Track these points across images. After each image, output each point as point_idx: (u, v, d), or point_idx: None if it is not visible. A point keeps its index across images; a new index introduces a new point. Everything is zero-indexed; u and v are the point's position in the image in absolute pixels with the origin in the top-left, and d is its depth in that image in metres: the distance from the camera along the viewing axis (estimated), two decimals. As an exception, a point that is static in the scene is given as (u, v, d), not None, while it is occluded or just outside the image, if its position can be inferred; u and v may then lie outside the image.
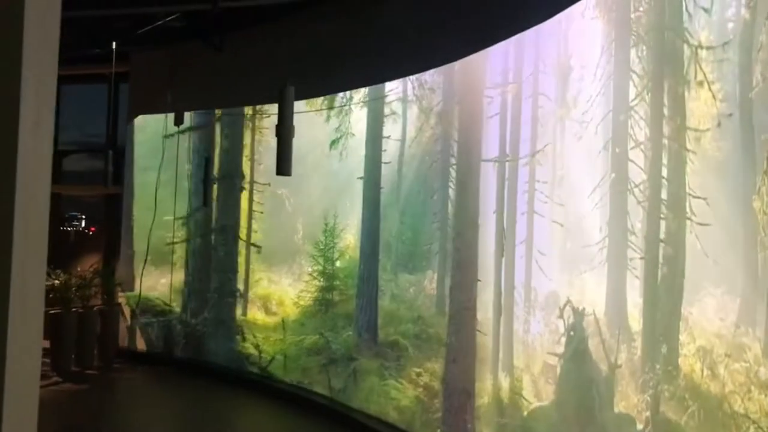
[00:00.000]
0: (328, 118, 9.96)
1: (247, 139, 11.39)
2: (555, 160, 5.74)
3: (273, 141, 10.75)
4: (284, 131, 5.52)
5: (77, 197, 13.73)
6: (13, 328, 2.37)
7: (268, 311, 11.02)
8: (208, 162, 10.12)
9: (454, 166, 7.64)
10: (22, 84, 2.41)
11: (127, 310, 11.92)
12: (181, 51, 11.25)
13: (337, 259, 9.96)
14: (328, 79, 9.41)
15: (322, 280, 10.16)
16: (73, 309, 10.82)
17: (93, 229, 13.94)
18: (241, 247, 11.33)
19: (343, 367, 9.61)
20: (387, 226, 8.84)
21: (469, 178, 7.53)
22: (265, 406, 9.69)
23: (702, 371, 3.93)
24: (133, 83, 12.18)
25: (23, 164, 2.42)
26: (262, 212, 11.18)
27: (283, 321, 10.79)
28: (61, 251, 12.06)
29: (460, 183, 7.70)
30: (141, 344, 11.85)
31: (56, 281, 10.36)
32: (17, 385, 2.39)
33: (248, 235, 11.33)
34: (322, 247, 10.12)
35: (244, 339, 11.21)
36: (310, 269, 10.33)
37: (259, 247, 11.34)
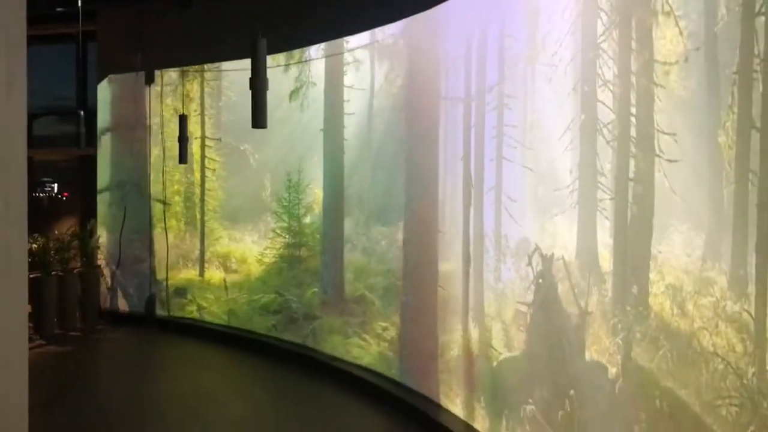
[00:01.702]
0: (287, 69, 9.83)
1: (195, 95, 11.26)
2: (526, 104, 5.68)
3: (233, 97, 10.76)
4: (258, 83, 5.46)
5: (48, 162, 13.56)
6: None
7: (228, 270, 10.93)
8: (182, 120, 9.96)
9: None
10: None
11: (107, 272, 11.91)
12: (149, 8, 11.05)
13: (303, 215, 9.88)
14: (300, 31, 9.28)
15: (287, 236, 10.11)
16: (53, 272, 10.78)
17: (66, 194, 13.80)
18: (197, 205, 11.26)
19: (301, 327, 9.64)
20: (359, 180, 8.78)
21: (420, 123, 7.47)
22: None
23: (672, 309, 3.94)
24: (101, 42, 11.97)
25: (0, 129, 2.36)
26: (214, 169, 11.01)
27: (224, 281, 10.78)
28: (36, 217, 11.99)
29: (413, 129, 7.63)
30: (123, 305, 11.86)
31: (34, 245, 10.30)
32: (7, 349, 2.37)
33: (202, 192, 11.23)
34: (285, 204, 10.04)
35: (187, 299, 11.21)
36: (273, 226, 10.26)
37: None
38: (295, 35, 9.27)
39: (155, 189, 11.71)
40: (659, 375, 4.00)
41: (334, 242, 9.37)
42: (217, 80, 11.04)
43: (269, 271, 10.43)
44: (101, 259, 11.95)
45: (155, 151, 11.68)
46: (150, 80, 11.26)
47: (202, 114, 11.20)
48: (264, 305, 10.39)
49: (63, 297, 10.91)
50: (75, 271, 11.34)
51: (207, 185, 11.28)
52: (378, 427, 7.21)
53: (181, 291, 11.40)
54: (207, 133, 11.19)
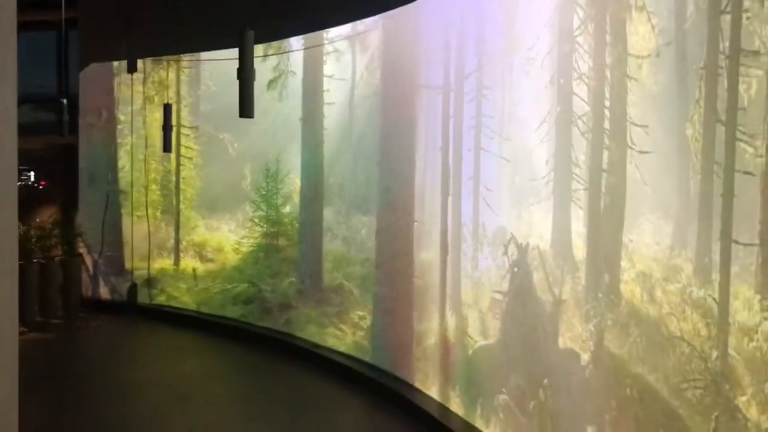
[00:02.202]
0: (265, 59, 9.86)
1: (171, 83, 11.31)
2: (504, 96, 5.79)
3: (212, 86, 10.77)
4: (245, 74, 5.58)
5: (26, 151, 13.44)
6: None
7: (203, 259, 10.96)
8: (166, 109, 9.98)
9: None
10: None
11: (89, 260, 11.92)
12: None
13: (282, 204, 9.92)
14: (287, 21, 9.31)
15: (265, 226, 10.14)
16: (34, 260, 10.80)
17: (43, 183, 13.74)
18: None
19: (275, 317, 9.73)
20: (341, 169, 8.85)
21: (400, 113, 7.51)
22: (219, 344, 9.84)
23: (642, 296, 4.08)
24: (83, 30, 11.94)
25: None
26: (191, 157, 11.03)
27: (194, 270, 10.83)
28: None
29: (392, 119, 7.69)
30: (105, 293, 11.89)
31: (15, 233, 10.27)
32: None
33: (177, 181, 11.24)
34: (264, 193, 10.07)
35: (158, 289, 11.28)
36: (251, 215, 10.32)
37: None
38: (279, 26, 9.31)
39: (130, 178, 11.74)
40: (630, 361, 4.13)
41: (312, 232, 9.40)
42: (193, 68, 11.03)
43: (246, 261, 10.45)
44: (82, 248, 11.96)
45: (130, 140, 11.71)
46: (132, 69, 11.24)
47: (179, 102, 11.21)
48: (236, 295, 10.44)
49: (45, 285, 10.93)
50: (56, 259, 11.35)
51: (184, 174, 11.28)
52: (356, 409, 7.31)
53: (153, 281, 11.43)
54: (185, 122, 11.19)
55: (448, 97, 6.67)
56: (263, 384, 8.06)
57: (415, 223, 7.26)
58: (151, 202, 11.62)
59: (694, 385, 3.59)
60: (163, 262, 11.51)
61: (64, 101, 11.12)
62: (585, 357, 4.62)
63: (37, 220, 11.71)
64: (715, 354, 3.42)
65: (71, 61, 12.62)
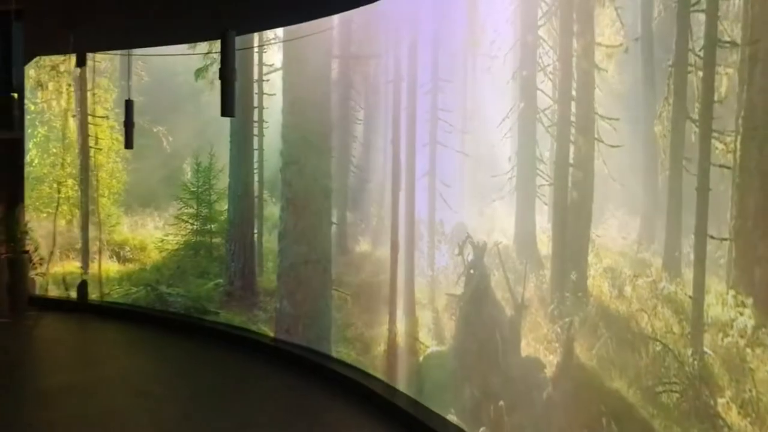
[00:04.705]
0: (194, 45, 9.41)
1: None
2: (465, 90, 5.77)
3: (145, 77, 10.40)
4: (227, 74, 5.56)
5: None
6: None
7: (122, 259, 10.64)
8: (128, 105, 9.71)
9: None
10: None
11: (36, 257, 11.62)
12: (78, -13, 10.75)
13: (216, 200, 9.54)
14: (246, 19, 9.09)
15: (196, 223, 9.75)
16: (-21, 258, 10.48)
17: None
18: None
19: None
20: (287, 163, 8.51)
21: (347, 105, 7.39)
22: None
23: (610, 292, 4.08)
24: (28, 22, 11.59)
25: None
26: (100, 148, 10.67)
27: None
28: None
29: (340, 111, 7.49)
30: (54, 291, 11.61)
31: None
32: None
33: (85, 174, 10.84)
34: (194, 189, 9.72)
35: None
36: (176, 212, 9.93)
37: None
38: (235, 23, 9.07)
39: (43, 171, 11.40)
40: (600, 368, 4.01)
41: (242, 231, 9.03)
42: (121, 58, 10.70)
43: (170, 260, 10.01)
44: (30, 245, 11.64)
45: (41, 131, 11.32)
46: (81, 62, 10.97)
47: (92, 92, 10.90)
48: (134, 301, 10.20)
49: (-9, 283, 10.64)
50: (2, 257, 11.03)
51: (110, 167, 10.84)
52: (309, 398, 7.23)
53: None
54: (100, 113, 10.84)
55: (400, 88, 6.58)
56: (225, 379, 7.93)
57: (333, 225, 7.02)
58: (66, 198, 11.19)
59: (669, 389, 3.55)
60: (70, 265, 11.14)
61: (15, 96, 10.78)
62: (550, 367, 4.48)
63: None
64: (689, 352, 3.43)
65: (16, 54, 12.24)
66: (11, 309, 10.89)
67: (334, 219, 7.64)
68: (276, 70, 8.68)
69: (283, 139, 7.73)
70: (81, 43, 10.75)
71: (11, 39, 12.14)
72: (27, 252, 11.49)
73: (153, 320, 10.20)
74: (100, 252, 10.83)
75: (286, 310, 7.61)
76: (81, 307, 10.99)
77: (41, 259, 11.43)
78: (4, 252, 11.11)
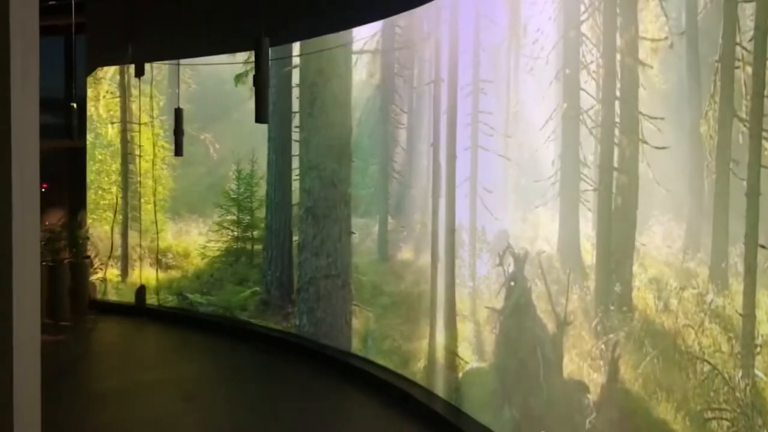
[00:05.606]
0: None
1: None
2: (509, 92, 5.53)
3: (193, 85, 10.44)
4: (261, 80, 5.51)
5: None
6: (17, 281, 2.42)
7: (163, 266, 10.67)
8: (177, 113, 9.80)
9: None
10: (11, 36, 2.42)
11: (97, 263, 11.84)
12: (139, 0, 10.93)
13: (257, 207, 9.42)
14: (299, 23, 9.04)
15: (237, 230, 9.69)
16: (43, 263, 10.71)
17: (45, 185, 13.66)
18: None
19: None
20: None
21: (392, 110, 7.19)
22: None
23: (655, 305, 3.79)
24: (89, 34, 11.83)
25: (16, 118, 2.44)
26: (164, 157, 10.68)
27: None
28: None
29: (383, 116, 7.29)
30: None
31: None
32: (24, 338, 2.47)
33: (124, 181, 10.96)
34: (234, 196, 9.66)
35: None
36: (218, 219, 9.93)
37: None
38: (284, 32, 9.04)
39: (91, 178, 11.69)
40: (646, 389, 3.73)
41: (280, 238, 8.85)
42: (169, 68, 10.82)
43: (211, 267, 10.01)
44: (91, 250, 11.86)
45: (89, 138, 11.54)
46: (140, 73, 11.13)
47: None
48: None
49: (53, 287, 10.87)
50: (65, 262, 11.29)
51: (156, 174, 10.86)
52: (371, 413, 7.08)
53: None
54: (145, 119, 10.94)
55: (440, 90, 6.37)
56: (276, 386, 7.86)
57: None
58: (111, 205, 11.45)
59: (719, 416, 3.24)
60: (109, 272, 11.33)
61: (74, 105, 11.00)
62: (594, 387, 4.20)
63: (47, 223, 11.60)
64: (740, 374, 3.12)
65: (78, 65, 12.50)
66: (72, 312, 11.14)
67: (376, 226, 7.46)
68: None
69: (301, 143, 7.51)
70: (139, 53, 10.95)
71: (73, 51, 12.45)
72: (88, 257, 11.72)
73: (210, 325, 10.23)
74: (141, 259, 10.91)
75: (305, 328, 7.40)
76: (139, 311, 11.14)
77: (101, 264, 11.64)
78: (66, 257, 11.37)
